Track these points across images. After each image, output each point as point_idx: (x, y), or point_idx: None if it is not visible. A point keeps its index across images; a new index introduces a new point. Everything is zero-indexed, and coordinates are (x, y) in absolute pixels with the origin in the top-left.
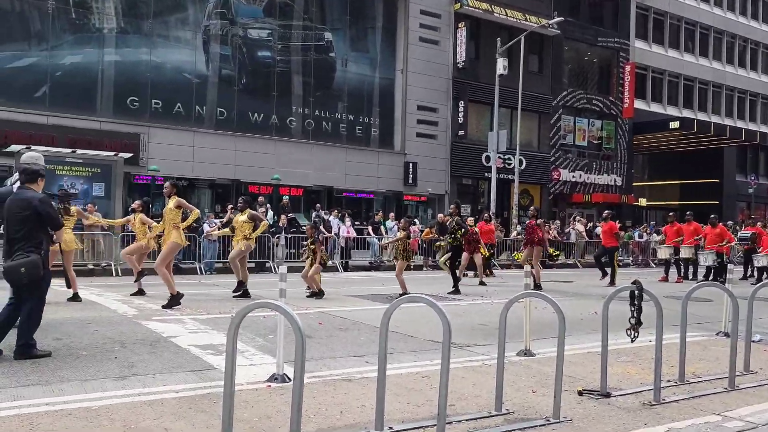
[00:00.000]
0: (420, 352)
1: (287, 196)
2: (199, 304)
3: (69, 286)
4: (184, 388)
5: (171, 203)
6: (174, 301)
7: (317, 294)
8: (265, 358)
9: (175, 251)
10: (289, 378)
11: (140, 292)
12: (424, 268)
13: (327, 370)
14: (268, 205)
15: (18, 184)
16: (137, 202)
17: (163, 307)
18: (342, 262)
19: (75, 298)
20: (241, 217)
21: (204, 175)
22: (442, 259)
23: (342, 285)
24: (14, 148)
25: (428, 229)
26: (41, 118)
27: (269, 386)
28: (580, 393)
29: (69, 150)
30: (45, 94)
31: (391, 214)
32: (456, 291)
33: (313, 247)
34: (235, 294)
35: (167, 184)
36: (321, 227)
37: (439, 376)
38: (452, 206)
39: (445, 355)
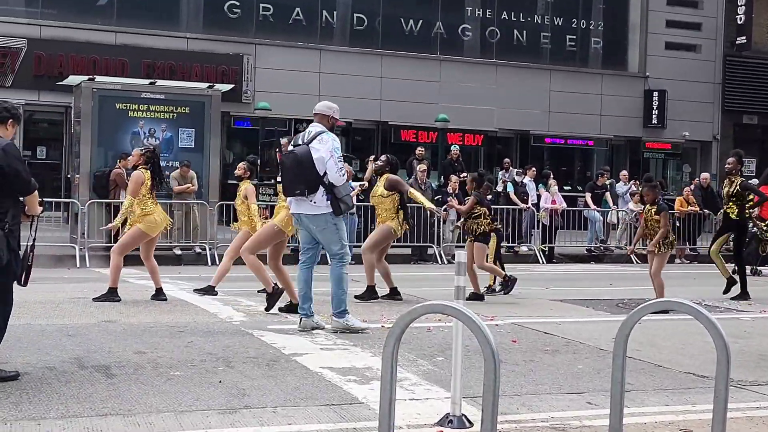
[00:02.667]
0: (674, 392)
1: (457, 146)
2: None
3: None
4: (319, 429)
5: (381, 183)
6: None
7: (478, 296)
8: (433, 389)
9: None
10: (470, 421)
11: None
12: (677, 260)
13: (527, 412)
14: (424, 165)
15: (318, 143)
16: (241, 165)
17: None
18: (543, 248)
19: (158, 295)
20: (379, 188)
21: None
22: (714, 246)
23: (545, 283)
24: (73, 80)
25: (681, 197)
26: (107, 36)
27: None
28: None
29: (145, 81)
30: (111, 1)
31: (623, 173)
32: (743, 295)
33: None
34: (380, 297)
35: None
36: (487, 181)
37: (710, 429)
38: (730, 159)
39: (721, 397)
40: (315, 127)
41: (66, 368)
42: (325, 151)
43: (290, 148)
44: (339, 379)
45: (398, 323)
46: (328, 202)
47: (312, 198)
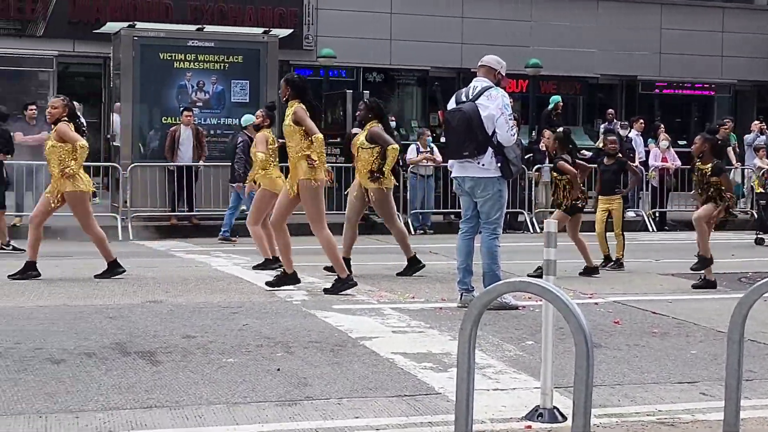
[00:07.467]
0: None
1: (559, 98)
2: (407, 285)
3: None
4: (389, 423)
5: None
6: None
7: (592, 270)
8: (520, 378)
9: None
10: (562, 415)
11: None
12: None
13: (629, 404)
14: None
15: (487, 99)
16: (259, 113)
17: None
18: (653, 213)
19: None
20: (360, 137)
21: (409, 62)
22: None
23: (655, 254)
24: (111, 27)
25: None
26: None
27: (529, 427)
28: None
29: (192, 27)
30: None
31: (754, 125)
32: None
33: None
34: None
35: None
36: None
37: None
38: None
39: None
40: (480, 82)
41: (106, 355)
42: (495, 108)
43: (453, 105)
44: (413, 367)
45: (475, 303)
46: (499, 164)
47: (480, 160)
